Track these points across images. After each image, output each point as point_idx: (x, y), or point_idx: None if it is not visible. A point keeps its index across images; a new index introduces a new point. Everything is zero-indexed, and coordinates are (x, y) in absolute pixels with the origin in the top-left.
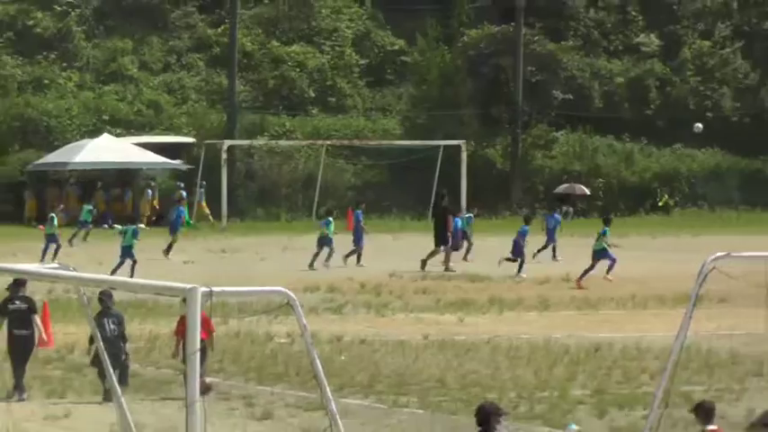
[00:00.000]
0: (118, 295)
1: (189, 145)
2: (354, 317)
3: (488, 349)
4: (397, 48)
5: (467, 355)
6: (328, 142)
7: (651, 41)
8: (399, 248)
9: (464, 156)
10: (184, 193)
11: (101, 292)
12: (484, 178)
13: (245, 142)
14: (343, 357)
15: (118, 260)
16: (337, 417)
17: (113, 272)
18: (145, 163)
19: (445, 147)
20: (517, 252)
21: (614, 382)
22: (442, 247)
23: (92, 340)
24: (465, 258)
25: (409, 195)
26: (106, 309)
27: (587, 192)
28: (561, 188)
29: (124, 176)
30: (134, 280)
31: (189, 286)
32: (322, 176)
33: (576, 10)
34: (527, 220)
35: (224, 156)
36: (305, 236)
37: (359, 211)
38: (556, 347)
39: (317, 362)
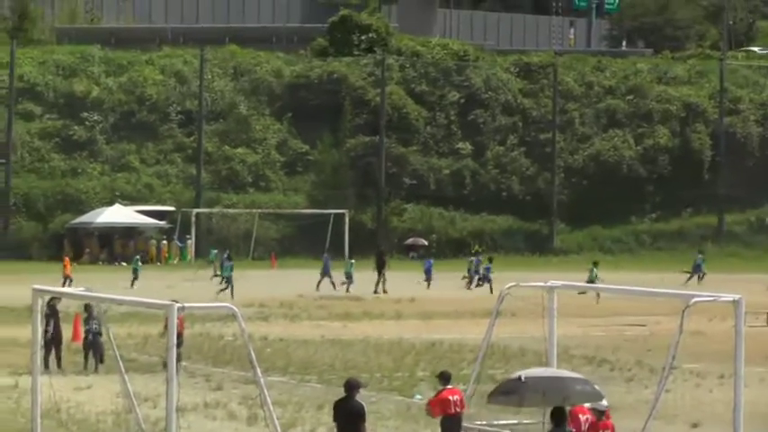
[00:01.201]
0: (123, 308)
1: (170, 212)
2: (276, 323)
3: (362, 345)
4: (304, 150)
5: (348, 349)
6: (260, 210)
7: (466, 147)
8: (305, 279)
9: (347, 220)
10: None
11: (84, 305)
12: (359, 235)
13: (207, 210)
14: (268, 350)
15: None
16: (264, 388)
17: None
18: (142, 223)
19: (335, 214)
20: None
21: (443, 368)
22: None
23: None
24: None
25: (312, 245)
26: (90, 314)
27: (426, 243)
28: (409, 240)
29: (129, 232)
30: (131, 297)
31: (167, 302)
32: (255, 232)
33: (418, 127)
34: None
35: (193, 219)
36: (243, 271)
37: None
38: (406, 344)
39: (252, 352)
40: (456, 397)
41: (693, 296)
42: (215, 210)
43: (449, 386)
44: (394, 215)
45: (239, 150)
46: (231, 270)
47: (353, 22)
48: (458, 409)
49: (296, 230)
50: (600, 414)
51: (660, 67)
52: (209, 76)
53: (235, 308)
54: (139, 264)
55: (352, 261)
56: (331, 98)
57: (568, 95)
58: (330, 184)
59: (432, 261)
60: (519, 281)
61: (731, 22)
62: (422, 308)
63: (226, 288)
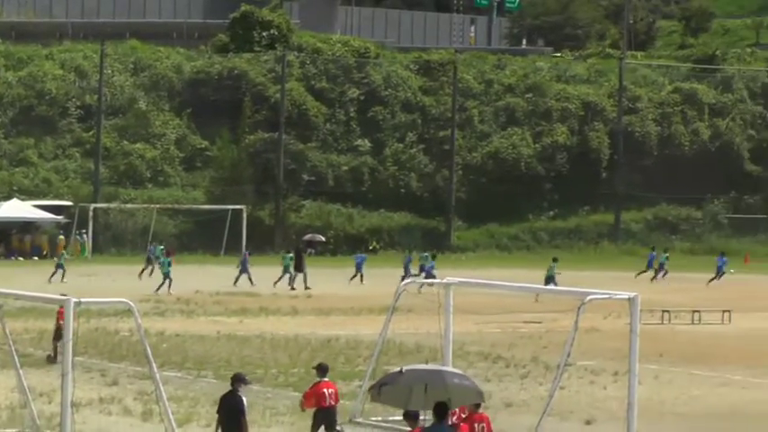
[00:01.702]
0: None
1: (68, 206)
2: (172, 319)
3: (258, 341)
4: (203, 146)
5: (244, 345)
6: (158, 206)
7: (365, 144)
8: (202, 274)
9: (245, 215)
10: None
11: None
12: (257, 231)
13: (105, 205)
14: (165, 345)
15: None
16: (160, 383)
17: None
18: (39, 218)
19: (233, 210)
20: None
21: (340, 363)
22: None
23: None
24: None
25: (210, 241)
26: None
27: (323, 239)
28: (307, 237)
29: (26, 226)
30: (29, 292)
31: (63, 297)
32: (153, 227)
33: (317, 123)
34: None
35: (91, 213)
36: (142, 266)
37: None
38: (302, 340)
39: (148, 347)
40: (331, 390)
41: (588, 293)
42: (113, 205)
43: (325, 379)
44: (292, 211)
45: (138, 146)
46: (170, 265)
47: (255, 19)
48: (332, 402)
49: (194, 226)
50: (476, 406)
51: (560, 66)
52: (109, 71)
53: (131, 303)
54: (65, 258)
55: (291, 255)
56: (231, 94)
57: (468, 93)
58: (229, 180)
59: (364, 256)
60: (415, 278)
61: (631, 22)
62: (318, 304)
63: (164, 284)
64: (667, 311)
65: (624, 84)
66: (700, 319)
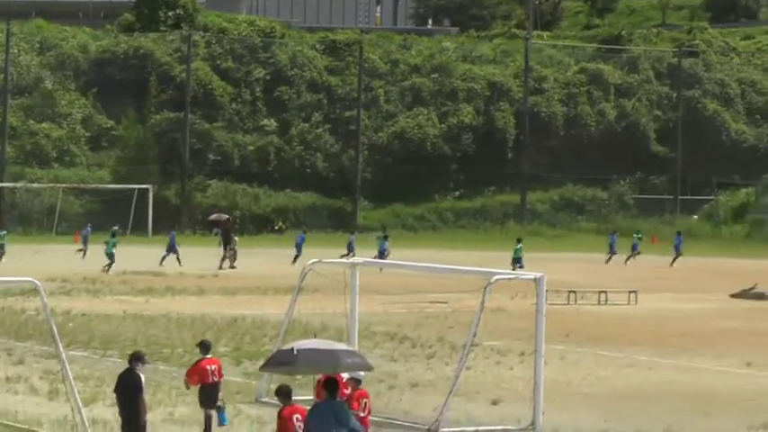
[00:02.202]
0: None
1: None
2: (78, 298)
3: (164, 321)
4: (109, 125)
5: (151, 324)
6: (64, 185)
7: (271, 123)
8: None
9: (151, 195)
10: None
11: None
12: (163, 210)
13: (11, 185)
14: (71, 324)
15: None
16: (66, 363)
17: None
18: None
19: (139, 189)
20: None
21: (246, 343)
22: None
23: None
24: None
25: (116, 220)
26: None
27: (228, 217)
28: (213, 216)
29: None
30: None
31: None
32: (59, 207)
33: (223, 103)
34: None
35: None
36: (48, 245)
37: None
38: (208, 320)
39: (54, 327)
40: (214, 366)
41: (495, 274)
42: (19, 184)
43: (208, 355)
44: (198, 191)
45: (44, 125)
46: (114, 246)
47: None
48: (215, 378)
49: (100, 206)
50: (357, 382)
51: (466, 46)
52: (15, 51)
53: (37, 282)
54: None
55: (236, 239)
56: (137, 74)
57: (374, 73)
58: (134, 159)
59: (303, 235)
60: (322, 257)
61: (537, 2)
62: (225, 284)
63: (111, 264)
64: (574, 292)
65: (530, 64)
66: (606, 300)
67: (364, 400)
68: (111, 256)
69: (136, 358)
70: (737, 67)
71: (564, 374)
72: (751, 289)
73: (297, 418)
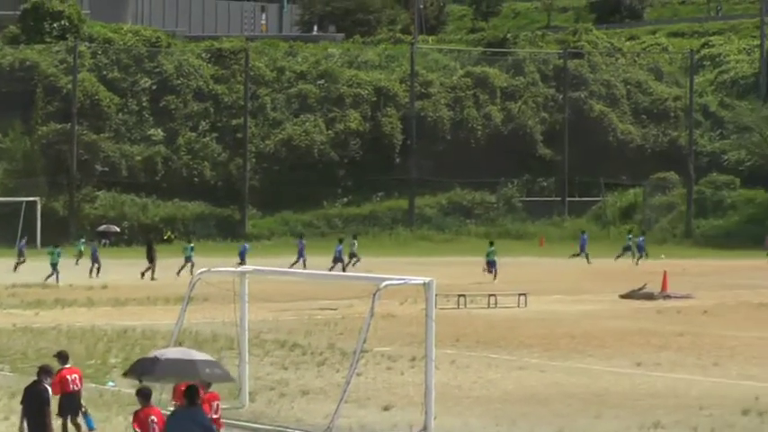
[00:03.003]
0: None
1: None
2: None
3: (55, 333)
4: None
5: (41, 337)
6: None
7: (158, 133)
8: None
9: (39, 208)
10: None
11: None
12: (51, 222)
13: None
14: None
15: None
16: None
17: None
18: None
19: (26, 202)
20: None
21: (136, 354)
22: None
23: None
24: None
25: (4, 233)
26: None
27: (118, 230)
28: (101, 227)
29: None
30: None
31: None
32: None
33: (110, 113)
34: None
35: None
36: None
37: None
38: (98, 331)
39: None
40: (74, 375)
41: (384, 279)
42: None
43: (67, 366)
44: (86, 202)
45: None
46: (59, 257)
47: (45, 10)
48: (75, 387)
49: None
50: (207, 385)
51: (351, 52)
52: None
53: None
54: None
55: (192, 245)
56: (23, 86)
57: (260, 81)
58: (22, 172)
59: (247, 245)
60: (211, 266)
61: (422, 7)
62: (115, 295)
63: (52, 275)
64: (463, 296)
65: (416, 69)
66: (496, 303)
67: (215, 402)
68: (55, 266)
69: (44, 371)
70: (623, 68)
71: (455, 378)
72: (640, 289)
73: (152, 420)
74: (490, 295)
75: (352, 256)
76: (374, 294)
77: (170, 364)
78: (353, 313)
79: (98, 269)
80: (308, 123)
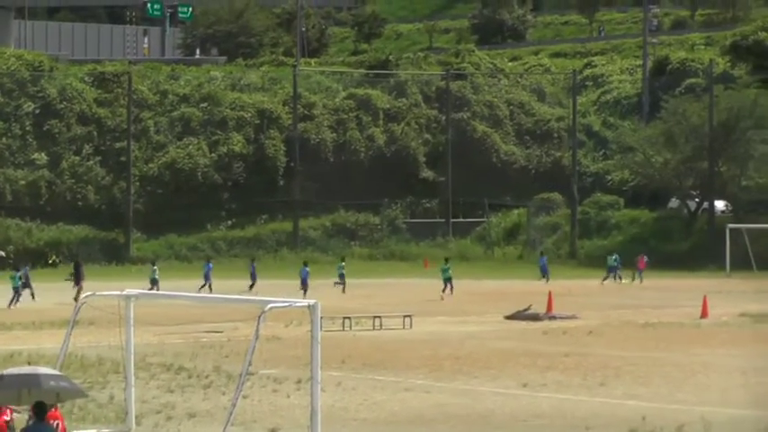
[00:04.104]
0: None
1: None
2: None
3: None
4: None
5: None
6: None
7: (42, 157)
8: None
9: None
10: None
11: None
12: None
13: None
14: None
15: None
16: None
17: None
18: None
19: None
20: None
21: None
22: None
23: None
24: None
25: None
26: None
27: (3, 254)
28: None
29: None
30: None
31: None
32: None
33: None
34: None
35: None
36: None
37: None
38: None
39: None
40: None
41: (269, 302)
42: None
43: None
44: None
45: None
46: (20, 280)
47: None
48: None
49: None
50: (51, 406)
51: (234, 75)
52: None
53: None
54: None
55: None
56: None
57: (143, 104)
58: None
59: (211, 265)
60: (96, 290)
61: (304, 29)
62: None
63: (14, 299)
64: (348, 318)
65: (298, 91)
66: (381, 325)
67: (56, 422)
68: (17, 289)
69: None
70: (506, 89)
71: (341, 400)
72: (525, 310)
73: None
74: (375, 317)
75: (341, 277)
76: (259, 317)
77: (14, 378)
78: (239, 336)
79: (32, 294)
80: (191, 146)
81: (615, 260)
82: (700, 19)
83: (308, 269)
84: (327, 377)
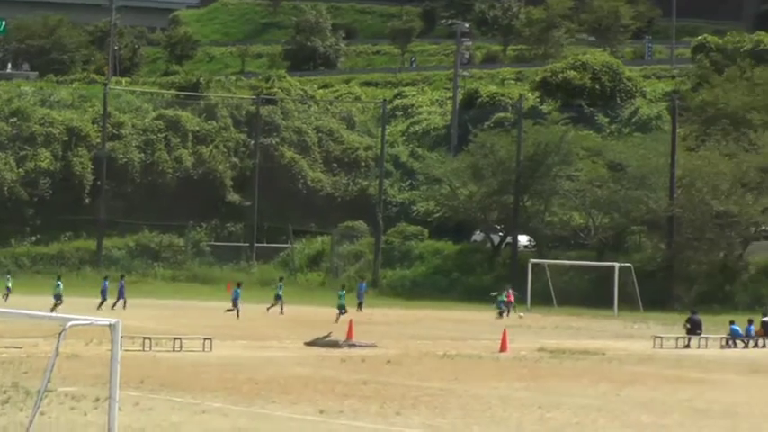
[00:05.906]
0: None
1: None
2: None
3: None
4: None
5: None
6: None
7: None
8: None
9: None
10: None
11: None
12: None
13: None
14: None
15: None
16: None
17: None
18: None
19: None
20: None
21: None
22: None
23: None
24: None
25: None
26: None
27: None
28: None
29: None
30: None
31: None
32: None
33: None
34: None
35: None
36: None
37: None
38: None
39: None
40: None
41: (70, 319)
42: None
43: None
44: None
45: None
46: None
47: None
48: None
49: None
50: None
51: (45, 91)
52: None
53: None
54: None
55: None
56: None
57: None
58: None
59: (107, 282)
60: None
61: (116, 48)
62: None
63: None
64: (149, 338)
65: (108, 110)
66: (181, 347)
67: None
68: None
69: None
70: (315, 116)
71: (138, 420)
72: (325, 337)
73: None
74: (175, 338)
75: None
76: (59, 334)
77: None
78: (38, 352)
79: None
80: None
81: (503, 296)
82: (511, 54)
83: (107, 282)
84: (126, 396)
